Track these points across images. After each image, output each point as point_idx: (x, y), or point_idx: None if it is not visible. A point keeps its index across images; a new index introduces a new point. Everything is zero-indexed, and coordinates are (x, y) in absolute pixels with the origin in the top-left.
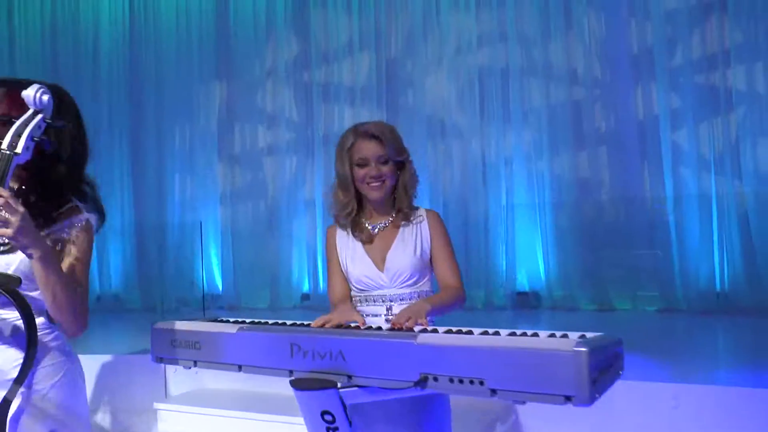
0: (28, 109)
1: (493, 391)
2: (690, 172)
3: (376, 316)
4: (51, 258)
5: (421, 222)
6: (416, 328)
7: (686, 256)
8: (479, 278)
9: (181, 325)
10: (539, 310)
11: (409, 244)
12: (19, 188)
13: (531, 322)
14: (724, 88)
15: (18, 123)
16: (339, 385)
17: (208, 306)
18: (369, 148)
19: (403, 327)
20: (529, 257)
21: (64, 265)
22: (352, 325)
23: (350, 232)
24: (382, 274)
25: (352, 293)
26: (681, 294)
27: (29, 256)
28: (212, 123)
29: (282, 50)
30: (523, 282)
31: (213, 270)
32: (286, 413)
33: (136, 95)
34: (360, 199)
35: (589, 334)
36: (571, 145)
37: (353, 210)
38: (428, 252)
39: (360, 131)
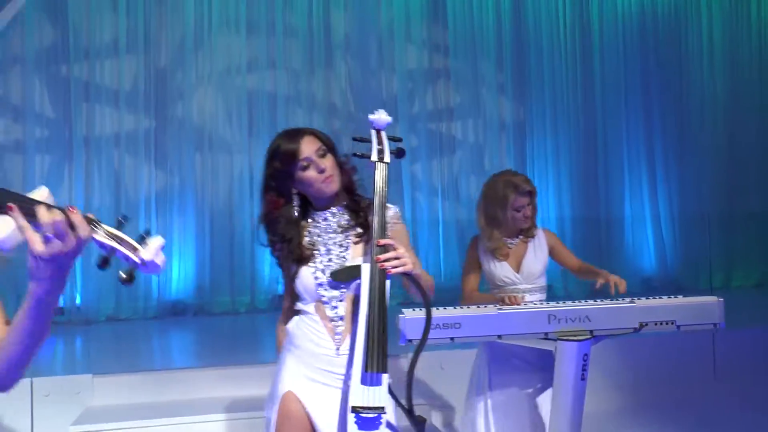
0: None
1: (678, 327)
2: (423, 197)
3: None
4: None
5: (540, 237)
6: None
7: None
8: (244, 285)
9: (437, 313)
10: None
11: (537, 254)
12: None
13: None
14: (448, 135)
15: (374, 138)
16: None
17: None
18: (525, 201)
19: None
20: None
21: None
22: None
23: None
24: (518, 275)
25: (491, 288)
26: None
27: (409, 274)
28: None
29: (32, 36)
30: None
31: None
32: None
33: None
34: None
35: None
36: None
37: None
38: (547, 258)
39: (520, 190)
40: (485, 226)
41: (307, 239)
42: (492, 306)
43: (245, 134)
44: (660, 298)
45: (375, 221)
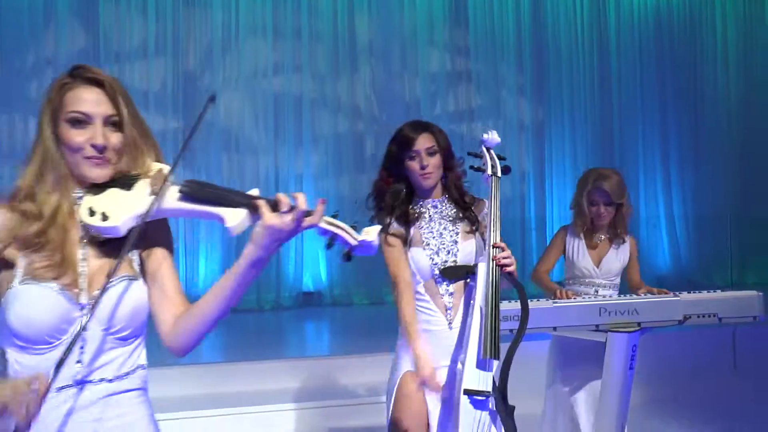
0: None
1: (720, 319)
2: None
3: (586, 294)
4: None
5: (626, 243)
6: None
7: None
8: (269, 283)
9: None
10: (321, 307)
11: (619, 255)
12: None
13: (315, 318)
14: (469, 136)
15: (487, 154)
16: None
17: None
18: (600, 199)
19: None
20: (313, 263)
21: None
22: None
23: (583, 237)
24: (597, 270)
25: (569, 276)
26: None
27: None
28: None
29: (65, 40)
30: (308, 283)
31: None
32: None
33: None
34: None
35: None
36: (352, 169)
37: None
38: (627, 261)
39: (597, 184)
40: (574, 211)
41: (417, 224)
42: (547, 300)
43: (271, 136)
44: (701, 292)
45: (491, 226)
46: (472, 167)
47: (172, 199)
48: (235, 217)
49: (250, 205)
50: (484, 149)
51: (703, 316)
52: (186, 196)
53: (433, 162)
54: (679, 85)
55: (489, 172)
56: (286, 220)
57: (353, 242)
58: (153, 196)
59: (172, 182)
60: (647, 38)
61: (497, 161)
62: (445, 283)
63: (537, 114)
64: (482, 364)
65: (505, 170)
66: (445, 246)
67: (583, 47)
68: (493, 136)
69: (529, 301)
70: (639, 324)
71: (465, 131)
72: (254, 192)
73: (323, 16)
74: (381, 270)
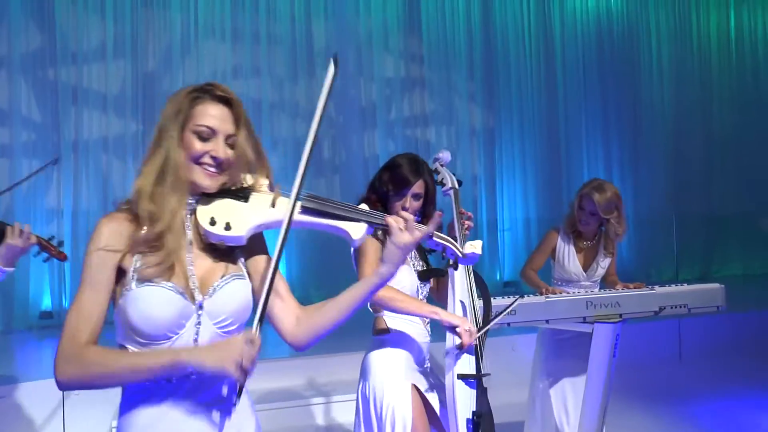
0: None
1: (689, 309)
2: None
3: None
4: None
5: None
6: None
7: None
8: None
9: (497, 301)
10: None
11: (605, 261)
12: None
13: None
14: (423, 140)
15: (443, 170)
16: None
17: None
18: (588, 207)
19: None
20: None
21: None
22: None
23: (572, 241)
24: (584, 274)
25: (557, 277)
26: None
27: None
28: None
29: (18, 40)
30: None
31: None
32: None
33: None
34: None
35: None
36: (311, 172)
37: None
38: (608, 263)
39: (590, 194)
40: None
41: None
42: (541, 296)
43: None
44: (671, 286)
45: (459, 233)
46: (436, 182)
47: (295, 212)
48: (358, 231)
49: (370, 221)
50: (439, 166)
51: (675, 307)
52: (308, 210)
53: (415, 206)
54: (619, 93)
55: (450, 185)
56: (416, 235)
57: (461, 254)
58: (273, 208)
59: (299, 198)
60: (590, 48)
61: (452, 176)
62: (422, 290)
63: (488, 120)
64: (471, 350)
65: (459, 183)
66: (418, 263)
67: (531, 56)
68: (446, 155)
69: (523, 297)
70: (621, 315)
71: (419, 135)
72: (363, 207)
73: (281, 20)
74: (339, 270)
